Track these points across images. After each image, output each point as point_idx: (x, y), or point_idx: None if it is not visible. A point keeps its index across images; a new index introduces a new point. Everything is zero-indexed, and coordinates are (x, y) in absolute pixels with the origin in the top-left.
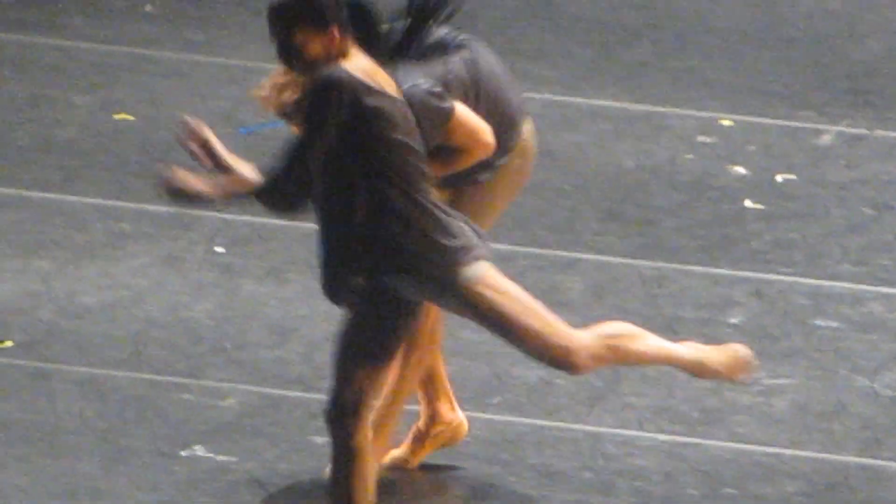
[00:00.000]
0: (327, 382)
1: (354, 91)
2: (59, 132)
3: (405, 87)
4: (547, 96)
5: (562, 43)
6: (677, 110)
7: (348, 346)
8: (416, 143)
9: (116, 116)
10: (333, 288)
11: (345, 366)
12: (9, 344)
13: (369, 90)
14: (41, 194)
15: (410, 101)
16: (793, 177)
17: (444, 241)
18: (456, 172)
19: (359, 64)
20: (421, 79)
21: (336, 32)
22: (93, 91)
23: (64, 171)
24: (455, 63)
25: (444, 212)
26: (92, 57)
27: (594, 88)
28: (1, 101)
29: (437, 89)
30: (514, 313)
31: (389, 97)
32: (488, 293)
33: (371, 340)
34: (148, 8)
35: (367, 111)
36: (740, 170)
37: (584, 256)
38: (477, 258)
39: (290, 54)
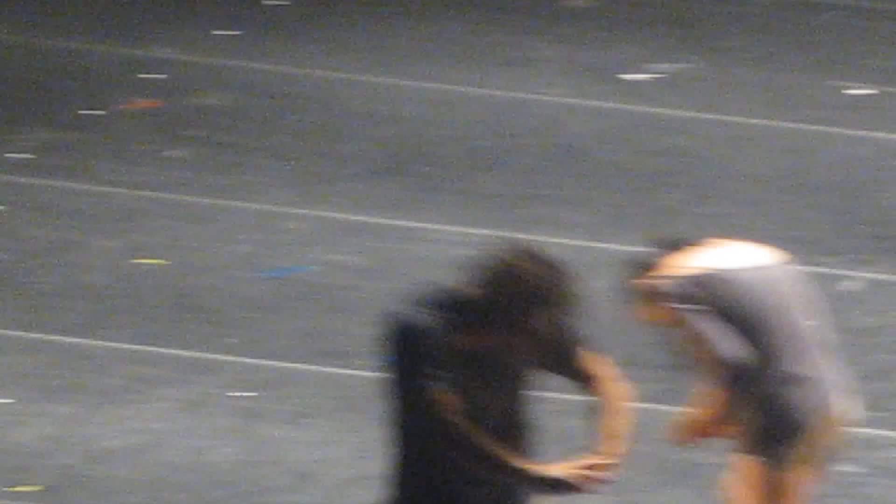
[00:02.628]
0: None
1: None
2: (84, 276)
3: None
4: (571, 242)
5: (586, 189)
6: None
7: None
8: None
9: (141, 261)
10: None
11: None
12: (29, 489)
13: None
14: (64, 338)
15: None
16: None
17: None
18: None
19: None
20: None
21: None
22: (118, 235)
23: (87, 315)
24: None
25: None
26: (117, 201)
27: (618, 234)
28: (25, 246)
29: None
30: None
31: None
32: None
33: None
34: (171, 153)
35: None
36: None
37: None
38: None
39: None
